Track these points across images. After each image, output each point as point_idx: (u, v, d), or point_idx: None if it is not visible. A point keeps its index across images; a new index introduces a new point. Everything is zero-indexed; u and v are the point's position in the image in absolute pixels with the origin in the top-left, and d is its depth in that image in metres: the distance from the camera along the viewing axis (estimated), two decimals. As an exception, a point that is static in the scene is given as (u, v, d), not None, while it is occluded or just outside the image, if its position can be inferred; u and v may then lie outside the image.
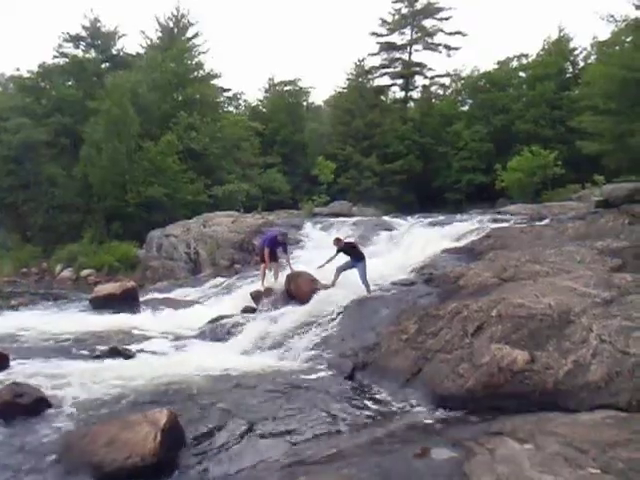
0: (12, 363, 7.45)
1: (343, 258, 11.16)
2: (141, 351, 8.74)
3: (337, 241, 11.45)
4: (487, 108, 34.32)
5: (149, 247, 22.18)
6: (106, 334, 10.37)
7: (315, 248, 14.41)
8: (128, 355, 8.36)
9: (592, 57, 32.54)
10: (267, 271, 12.12)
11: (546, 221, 13.95)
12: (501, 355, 5.84)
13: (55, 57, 32.41)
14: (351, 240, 12.61)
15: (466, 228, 14.34)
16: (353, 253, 11.05)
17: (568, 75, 33.81)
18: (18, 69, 32.51)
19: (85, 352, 8.78)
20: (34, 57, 66.49)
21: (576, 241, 10.43)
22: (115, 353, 8.41)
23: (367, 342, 7.96)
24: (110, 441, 4.60)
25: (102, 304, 12.98)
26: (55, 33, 42.42)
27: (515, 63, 37.55)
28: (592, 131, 25.51)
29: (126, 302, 13.06)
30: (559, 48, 34.16)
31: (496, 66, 37.32)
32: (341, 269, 11.04)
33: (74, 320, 11.58)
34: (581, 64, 33.80)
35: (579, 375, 5.36)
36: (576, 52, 34.30)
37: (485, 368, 5.84)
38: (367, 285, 10.46)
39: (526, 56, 36.98)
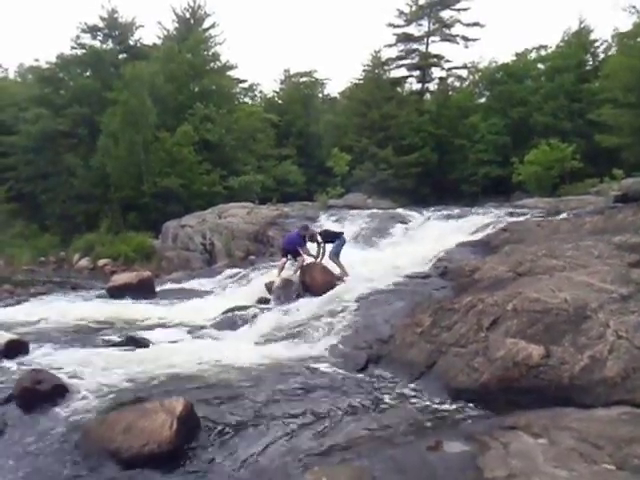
0: (31, 350, 7.58)
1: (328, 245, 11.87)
2: (157, 340, 8.82)
3: (305, 229, 12.09)
4: (504, 100, 33.98)
5: (165, 237, 22.36)
6: (123, 323, 10.53)
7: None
8: (144, 344, 8.43)
9: (613, 49, 32.02)
10: (287, 265, 12.10)
11: (563, 215, 13.82)
12: (516, 349, 5.81)
13: (73, 48, 32.72)
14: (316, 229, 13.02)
15: (482, 221, 14.30)
16: (330, 236, 11.82)
17: (588, 67, 33.30)
18: (37, 60, 33.10)
19: (102, 340, 8.91)
20: (53, 48, 66.94)
21: (594, 236, 10.31)
22: (131, 342, 8.50)
23: (381, 334, 7.96)
24: (127, 428, 4.67)
25: (119, 293, 13.14)
26: (73, 24, 42.67)
27: (534, 54, 37.08)
28: (611, 124, 25.18)
29: (142, 291, 13.22)
30: (579, 39, 33.65)
31: (514, 58, 36.89)
32: (335, 254, 11.57)
33: (91, 308, 11.74)
34: (601, 56, 33.28)
35: (595, 371, 5.32)
36: (596, 44, 33.77)
37: (500, 362, 5.82)
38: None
39: (545, 47, 36.55)
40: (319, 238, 11.86)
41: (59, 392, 5.73)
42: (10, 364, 6.83)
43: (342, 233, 11.90)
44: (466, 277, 9.32)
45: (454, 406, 5.76)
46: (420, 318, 7.64)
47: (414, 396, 6.14)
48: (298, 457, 4.61)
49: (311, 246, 12.02)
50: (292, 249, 11.92)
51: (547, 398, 5.32)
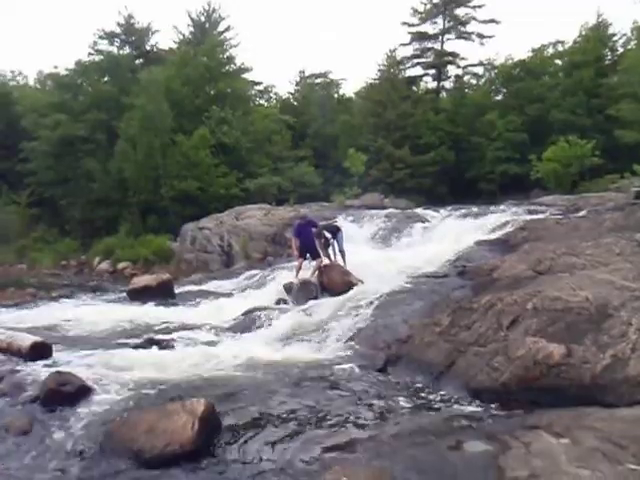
0: (55, 352, 7.70)
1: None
2: (177, 342, 8.91)
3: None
4: (521, 97, 33.62)
5: (183, 240, 22.56)
6: (143, 325, 10.65)
7: (347, 240, 14.36)
8: (165, 345, 8.53)
9: (632, 43, 31.51)
10: (304, 264, 12.11)
11: (583, 212, 13.67)
12: (537, 348, 5.76)
13: (91, 54, 33.23)
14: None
15: (500, 220, 14.19)
16: (334, 231, 12.40)
17: (607, 62, 32.77)
18: (56, 67, 33.50)
19: (123, 342, 9.00)
20: (71, 54, 67.95)
21: (614, 233, 10.17)
22: (152, 343, 8.61)
23: (400, 334, 7.94)
24: (150, 429, 4.74)
25: (139, 296, 13.29)
26: (91, 30, 43.31)
27: (551, 50, 36.64)
28: (631, 119, 24.80)
29: (162, 294, 13.34)
30: (597, 34, 33.09)
31: (530, 54, 36.48)
32: (341, 249, 12.13)
33: (112, 311, 11.89)
34: (620, 50, 32.73)
35: (618, 369, 5.26)
36: (615, 38, 33.20)
37: (520, 361, 5.77)
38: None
39: (562, 43, 36.06)
40: (327, 234, 12.04)
41: (83, 393, 5.84)
42: (35, 366, 6.95)
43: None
44: (485, 276, 9.26)
45: (474, 406, 5.74)
46: (439, 318, 7.62)
47: (434, 396, 6.13)
48: (318, 457, 4.63)
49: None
50: (311, 245, 11.88)
51: (569, 397, 5.27)
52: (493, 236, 12.92)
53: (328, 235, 12.12)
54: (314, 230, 12.08)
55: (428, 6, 38.17)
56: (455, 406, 5.79)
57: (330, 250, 12.16)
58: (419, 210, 18.69)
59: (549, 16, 76.04)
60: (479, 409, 5.65)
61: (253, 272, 15.34)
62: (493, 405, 5.68)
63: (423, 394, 6.22)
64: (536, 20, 67.41)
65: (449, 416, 5.48)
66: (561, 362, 5.53)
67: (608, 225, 11.25)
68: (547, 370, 5.55)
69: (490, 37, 38.14)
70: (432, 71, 40.08)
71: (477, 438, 4.69)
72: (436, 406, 5.82)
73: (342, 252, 12.19)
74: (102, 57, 32.97)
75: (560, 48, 36.22)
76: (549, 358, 5.60)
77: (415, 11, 38.50)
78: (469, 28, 38.23)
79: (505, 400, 5.68)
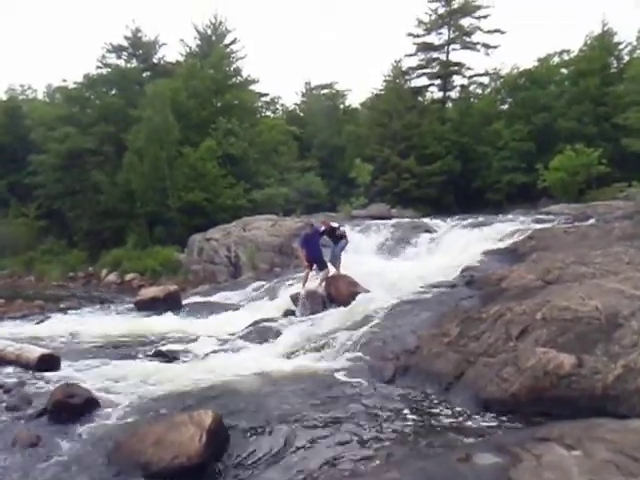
0: (63, 364, 7.72)
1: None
2: (184, 353, 8.91)
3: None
4: (527, 106, 33.59)
5: (190, 251, 22.62)
6: (151, 337, 10.65)
7: (354, 251, 14.37)
8: (172, 357, 8.54)
9: (638, 51, 31.53)
10: (311, 274, 12.07)
11: (591, 221, 13.62)
12: (547, 359, 5.71)
13: (99, 67, 33.62)
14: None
15: (508, 229, 14.14)
16: (334, 236, 12.35)
17: (613, 70, 32.76)
18: (65, 80, 33.87)
19: (131, 354, 9.02)
20: (79, 68, 68.69)
21: (623, 241, 10.12)
22: (160, 355, 8.62)
23: (408, 345, 7.88)
24: (157, 441, 4.71)
25: (146, 307, 13.32)
26: (99, 44, 43.83)
27: (556, 59, 36.67)
28: (638, 128, 24.74)
29: (169, 305, 13.37)
30: (602, 42, 33.11)
31: (536, 63, 36.52)
32: (338, 254, 12.17)
33: (120, 323, 11.93)
34: (626, 58, 32.73)
35: (630, 380, 5.19)
36: (620, 46, 33.21)
37: (530, 372, 5.72)
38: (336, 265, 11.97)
39: (568, 52, 36.08)
40: (341, 229, 12.45)
41: (91, 405, 5.83)
42: (43, 378, 6.97)
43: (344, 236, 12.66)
44: (493, 286, 9.21)
45: (484, 417, 5.67)
46: (447, 328, 7.56)
47: (443, 407, 6.07)
48: (327, 470, 4.58)
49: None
50: (317, 256, 11.84)
51: (580, 408, 5.20)
52: (501, 246, 12.88)
53: (343, 232, 12.48)
54: (324, 228, 12.31)
55: (433, 17, 38.38)
56: (464, 417, 5.73)
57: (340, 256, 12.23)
58: (426, 220, 18.67)
59: (554, 25, 76.12)
60: (489, 420, 5.58)
61: (260, 283, 15.34)
62: (503, 416, 5.61)
63: (432, 405, 6.16)
64: (542, 30, 67.68)
65: (458, 427, 5.43)
66: (572, 372, 5.47)
67: (617, 234, 11.19)
68: (557, 381, 5.49)
69: (495, 47, 38.30)
70: (438, 81, 40.19)
71: (487, 450, 4.62)
72: (445, 417, 5.76)
73: (336, 258, 12.14)
74: (110, 70, 33.32)
75: (566, 57, 36.26)
76: (559, 368, 5.55)
77: (420, 22, 38.71)
78: (474, 38, 38.41)
79: (515, 411, 5.62)
